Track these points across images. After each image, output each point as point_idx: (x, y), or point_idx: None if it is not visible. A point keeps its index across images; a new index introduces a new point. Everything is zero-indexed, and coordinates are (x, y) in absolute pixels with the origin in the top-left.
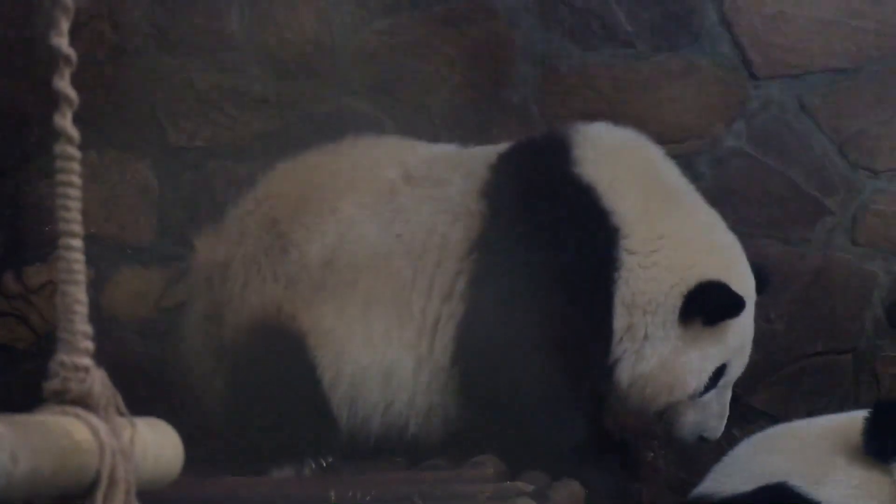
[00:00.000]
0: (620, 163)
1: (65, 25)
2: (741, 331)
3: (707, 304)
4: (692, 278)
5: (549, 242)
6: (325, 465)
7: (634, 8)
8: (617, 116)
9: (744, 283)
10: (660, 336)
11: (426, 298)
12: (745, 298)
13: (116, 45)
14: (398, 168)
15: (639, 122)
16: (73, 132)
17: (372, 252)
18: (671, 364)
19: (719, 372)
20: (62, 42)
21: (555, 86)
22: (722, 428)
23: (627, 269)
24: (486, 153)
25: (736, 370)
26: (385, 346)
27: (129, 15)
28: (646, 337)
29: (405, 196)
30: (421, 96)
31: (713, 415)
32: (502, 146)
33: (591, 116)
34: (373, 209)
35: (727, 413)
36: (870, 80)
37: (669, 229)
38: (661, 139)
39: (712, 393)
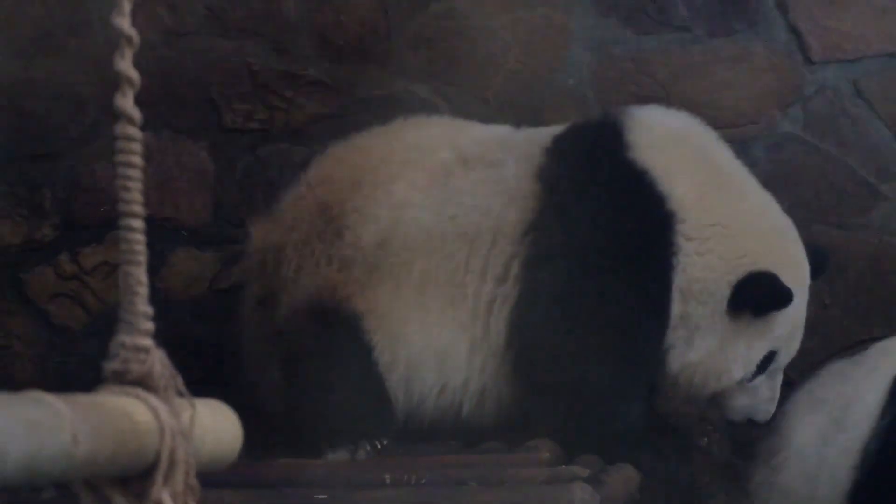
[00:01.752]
0: (674, 147)
1: (127, 6)
2: (791, 320)
3: (755, 296)
4: (742, 268)
5: (605, 226)
6: (379, 447)
7: None
8: (672, 101)
9: (796, 270)
10: (709, 325)
11: (480, 281)
12: (797, 286)
13: (172, 27)
14: (451, 149)
15: (693, 107)
16: (135, 113)
17: (426, 234)
18: (719, 353)
19: (768, 359)
20: (124, 22)
21: (609, 70)
22: (772, 411)
23: (685, 255)
24: (541, 135)
25: (786, 356)
26: (440, 328)
27: None
28: (697, 326)
29: (459, 178)
30: (476, 80)
31: (763, 398)
32: (556, 128)
33: (646, 101)
34: (426, 191)
35: (777, 396)
36: None
37: (724, 215)
38: (716, 124)
39: (762, 377)
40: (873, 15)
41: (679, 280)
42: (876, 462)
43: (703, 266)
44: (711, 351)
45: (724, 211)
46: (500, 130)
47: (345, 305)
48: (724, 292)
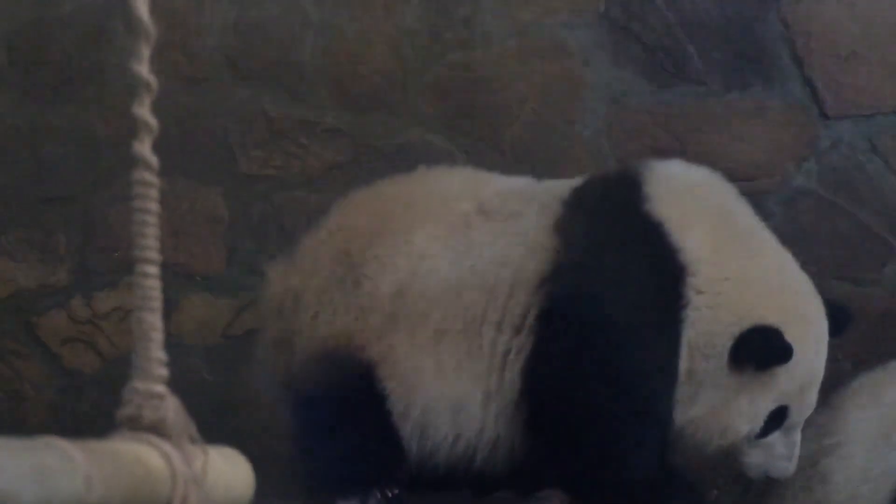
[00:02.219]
0: (691, 200)
1: (145, 52)
2: (798, 376)
3: (755, 350)
4: (747, 322)
5: (619, 279)
6: (390, 496)
7: (706, 46)
8: (687, 154)
9: (807, 327)
10: (713, 381)
11: (497, 331)
12: (805, 343)
13: (189, 74)
14: (472, 201)
15: (708, 160)
16: (152, 159)
17: (444, 284)
18: (721, 408)
19: (779, 415)
20: (143, 69)
21: (625, 122)
22: (792, 468)
23: (694, 309)
24: (560, 187)
25: (799, 412)
26: (455, 378)
27: (202, 44)
28: (701, 381)
29: (479, 229)
30: (492, 130)
31: (779, 456)
32: (575, 181)
33: (661, 153)
34: (446, 241)
35: (796, 453)
36: None
37: (736, 270)
38: (731, 177)
39: (777, 434)
40: (888, 72)
41: (688, 334)
42: None
43: (711, 320)
44: (715, 406)
45: (736, 265)
46: (521, 182)
47: (360, 354)
48: (728, 346)
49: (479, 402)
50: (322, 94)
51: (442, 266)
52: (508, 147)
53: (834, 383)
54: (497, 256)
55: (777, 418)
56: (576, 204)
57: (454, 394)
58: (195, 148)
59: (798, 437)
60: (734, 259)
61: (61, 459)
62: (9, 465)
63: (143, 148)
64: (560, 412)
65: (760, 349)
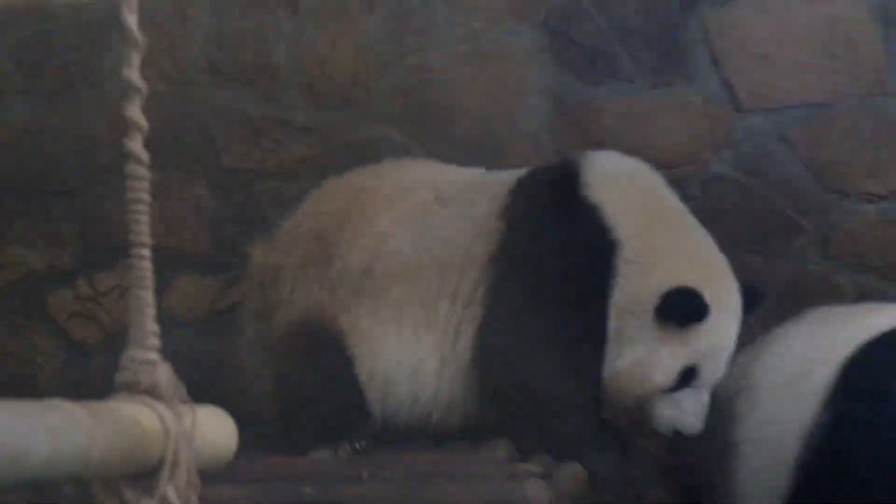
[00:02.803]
0: (623, 186)
1: (136, 60)
2: (711, 337)
3: (677, 307)
4: (670, 284)
5: (558, 255)
6: (358, 448)
7: (634, 49)
8: (618, 145)
9: (721, 294)
10: (638, 336)
11: (450, 304)
12: (720, 308)
13: (176, 78)
14: (430, 190)
15: (637, 150)
16: (143, 155)
17: (405, 263)
18: (642, 361)
19: (690, 373)
20: (133, 74)
21: (564, 117)
22: (698, 425)
23: (623, 276)
24: (507, 177)
25: (709, 374)
26: (414, 346)
27: (187, 52)
28: (629, 337)
29: (436, 214)
30: (445, 126)
31: (687, 412)
32: (521, 171)
33: (596, 145)
34: (406, 225)
35: (704, 412)
36: (842, 114)
37: (662, 244)
38: (657, 165)
39: (687, 392)
40: (796, 70)
41: (617, 297)
42: (811, 464)
43: (638, 284)
44: (637, 359)
45: (661, 240)
46: (473, 173)
47: (331, 324)
48: (654, 305)
49: (435, 367)
50: (294, 95)
51: (403, 247)
52: (460, 141)
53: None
54: (451, 239)
55: (688, 376)
56: (520, 192)
57: (413, 360)
58: (182, 144)
59: (706, 397)
60: (659, 235)
61: (67, 419)
62: (22, 424)
63: (135, 145)
64: (505, 374)
65: (682, 307)
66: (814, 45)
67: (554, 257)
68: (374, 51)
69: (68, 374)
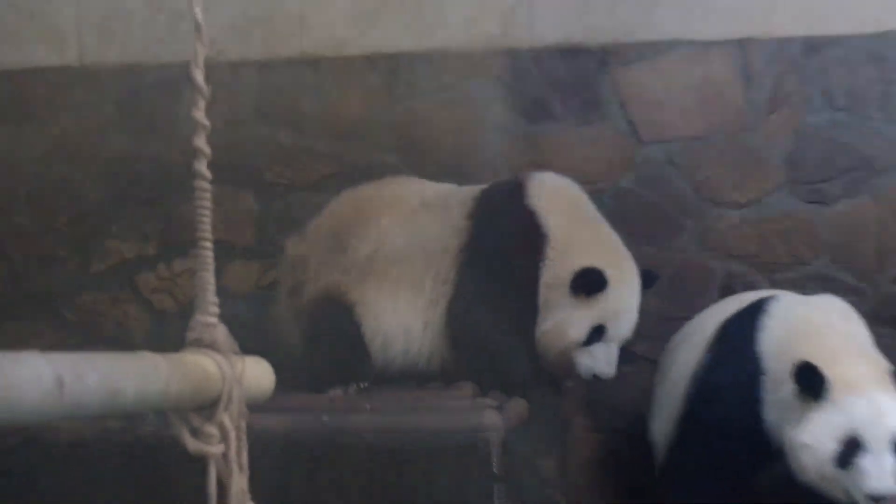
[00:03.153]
0: (555, 197)
1: (202, 104)
2: (613, 303)
3: (584, 281)
4: (581, 265)
5: (505, 246)
6: (362, 387)
7: (564, 96)
8: (553, 167)
9: (621, 272)
10: (558, 304)
11: (432, 282)
12: (619, 282)
13: (231, 119)
14: (418, 199)
15: (566, 171)
16: (207, 174)
17: (399, 252)
18: (561, 322)
19: (600, 330)
20: (200, 115)
21: (512, 147)
22: (610, 371)
23: (550, 260)
24: (474, 190)
25: (616, 332)
26: (405, 313)
27: (239, 99)
28: (552, 305)
29: (422, 217)
30: (427, 154)
31: (600, 360)
32: (484, 185)
33: (536, 167)
34: (400, 225)
35: (614, 361)
36: (713, 145)
37: (579, 237)
38: (581, 181)
39: (600, 345)
40: (680, 112)
41: (545, 276)
42: (692, 391)
43: (560, 266)
44: (558, 321)
45: (578, 234)
46: (449, 187)
47: (344, 297)
48: (569, 280)
49: (420, 329)
50: (317, 130)
51: (398, 241)
52: (439, 164)
53: (651, 316)
54: (433, 234)
55: (598, 333)
56: (482, 199)
57: (405, 323)
58: (235, 166)
59: (615, 350)
60: (577, 231)
61: (151, 366)
62: (118, 370)
63: (201, 167)
64: (468, 333)
65: (587, 281)
66: (693, 94)
67: (503, 247)
68: (375, 98)
69: (152, 333)
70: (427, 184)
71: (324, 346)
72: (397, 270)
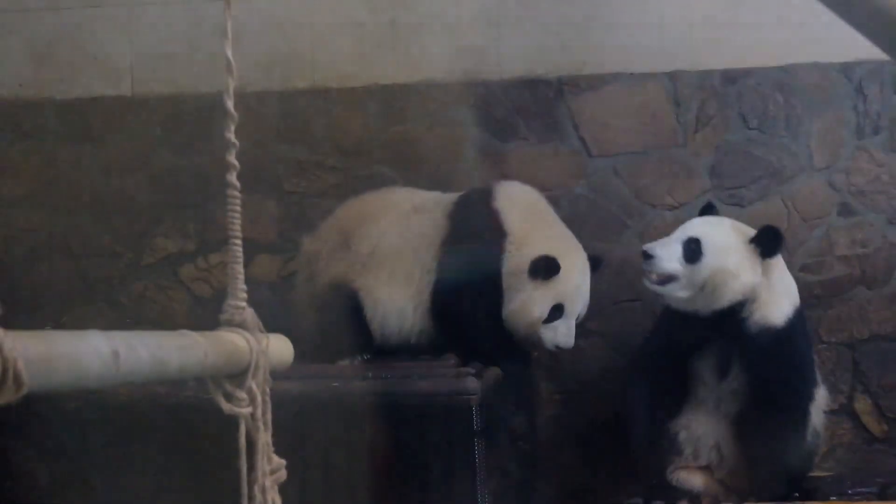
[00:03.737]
0: (517, 200)
1: (232, 126)
2: (567, 284)
3: (541, 267)
4: (538, 254)
5: (475, 241)
6: (365, 358)
7: (527, 119)
8: (519, 178)
9: (572, 260)
10: (520, 287)
11: (421, 272)
12: (570, 267)
13: (256, 138)
14: (410, 204)
15: (530, 180)
16: (237, 184)
17: (394, 248)
18: (524, 303)
19: (558, 308)
20: (230, 135)
21: (486, 162)
22: (570, 343)
23: (510, 253)
24: (453, 196)
25: (573, 308)
26: (399, 297)
27: (263, 122)
28: (515, 289)
29: (413, 219)
30: (418, 167)
31: (562, 334)
32: (461, 192)
33: (506, 178)
34: (395, 225)
35: (573, 334)
36: (651, 158)
37: (535, 233)
38: (542, 189)
39: (560, 321)
40: (620, 132)
41: (507, 265)
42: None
43: (519, 256)
44: (521, 302)
45: (535, 230)
46: (436, 194)
47: (349, 285)
48: (528, 266)
49: (412, 310)
50: (327, 147)
51: (393, 238)
52: (427, 176)
53: (602, 298)
54: (421, 232)
55: (557, 310)
56: (459, 203)
57: (399, 306)
58: (260, 178)
59: (573, 324)
60: (535, 229)
61: (191, 342)
62: (164, 345)
63: (232, 178)
64: (449, 313)
65: (543, 266)
66: (633, 117)
67: (474, 241)
68: (374, 122)
69: (191, 315)
70: (418, 192)
71: (333, 326)
72: (392, 263)
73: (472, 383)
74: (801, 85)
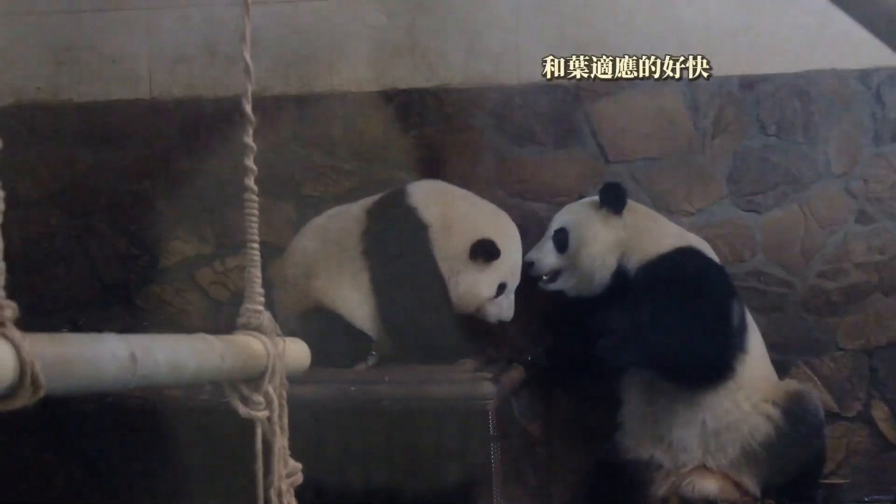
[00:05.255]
0: (430, 195)
1: (250, 131)
2: (507, 265)
3: (481, 251)
4: (475, 238)
5: (397, 234)
6: (374, 355)
7: (545, 126)
8: (536, 184)
9: (508, 242)
10: (464, 271)
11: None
12: (508, 251)
13: (274, 142)
14: (361, 207)
15: (547, 186)
16: (254, 188)
17: (330, 251)
18: (472, 286)
19: (503, 286)
20: (248, 139)
21: (503, 166)
22: (510, 315)
23: (435, 242)
24: (367, 202)
25: (512, 284)
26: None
27: (281, 126)
28: (459, 273)
29: (338, 221)
30: (434, 172)
31: (504, 308)
32: (374, 199)
33: (522, 183)
34: (329, 226)
35: (513, 307)
36: (668, 164)
37: (460, 220)
38: (558, 195)
39: (502, 297)
40: (640, 137)
41: (439, 255)
42: None
43: (446, 245)
44: (468, 285)
45: (458, 218)
46: (349, 204)
47: (320, 303)
48: (468, 251)
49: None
50: (344, 153)
51: (318, 241)
52: (443, 180)
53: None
54: (343, 228)
55: (502, 288)
56: (379, 201)
57: (360, 311)
58: (278, 181)
59: (513, 298)
60: (458, 215)
61: (208, 345)
62: (181, 348)
63: (250, 182)
64: (391, 316)
65: (484, 250)
66: (650, 123)
67: (392, 236)
68: (391, 126)
69: (208, 318)
70: (336, 207)
71: (328, 341)
72: (338, 267)
73: (489, 388)
74: (819, 91)
